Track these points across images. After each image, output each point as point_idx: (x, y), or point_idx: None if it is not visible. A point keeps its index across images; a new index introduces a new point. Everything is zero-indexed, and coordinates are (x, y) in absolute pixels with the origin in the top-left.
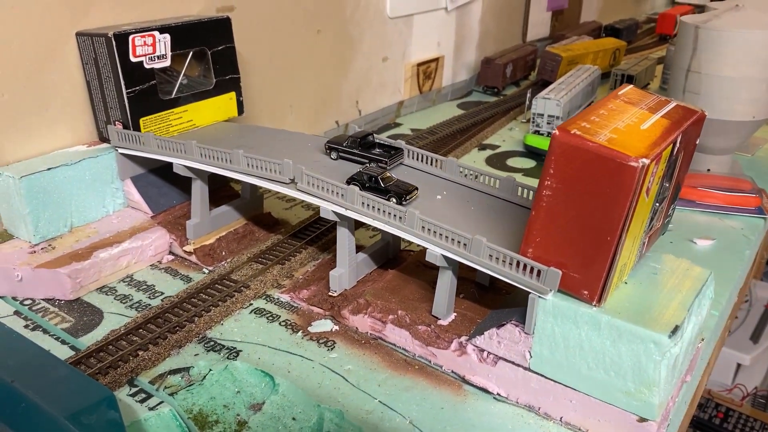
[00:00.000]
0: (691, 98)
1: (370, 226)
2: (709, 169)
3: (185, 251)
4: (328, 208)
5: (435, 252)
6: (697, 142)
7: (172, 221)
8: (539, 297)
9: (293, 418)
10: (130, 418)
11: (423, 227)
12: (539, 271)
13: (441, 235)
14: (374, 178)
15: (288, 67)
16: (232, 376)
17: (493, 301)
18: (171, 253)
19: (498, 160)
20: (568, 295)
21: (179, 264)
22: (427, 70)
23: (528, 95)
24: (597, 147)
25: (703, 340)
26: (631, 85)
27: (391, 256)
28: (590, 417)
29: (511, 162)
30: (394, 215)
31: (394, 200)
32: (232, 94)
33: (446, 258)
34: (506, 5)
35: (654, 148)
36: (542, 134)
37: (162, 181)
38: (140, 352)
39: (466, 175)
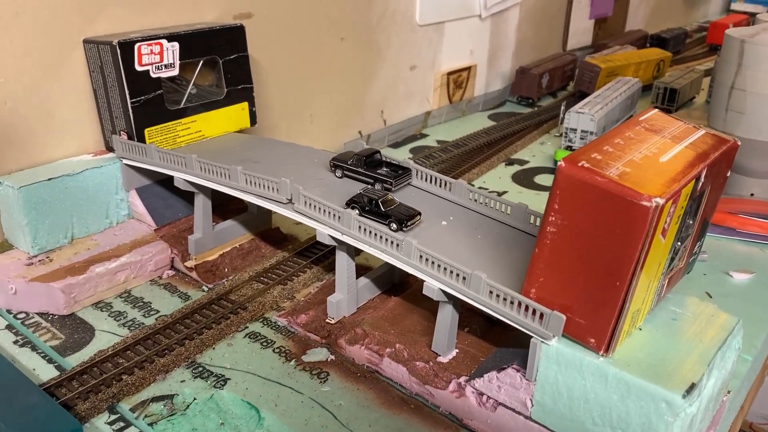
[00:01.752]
0: (733, 117)
1: None
2: (752, 194)
3: (186, 267)
4: (324, 232)
5: (433, 286)
6: (742, 165)
7: (176, 234)
8: (542, 342)
9: None
10: None
11: (421, 257)
12: (542, 315)
13: (439, 267)
14: (374, 201)
15: (309, 76)
16: (217, 407)
17: (500, 337)
18: (173, 267)
19: (525, 177)
20: (573, 341)
21: (179, 280)
22: (458, 79)
23: (562, 108)
24: (606, 183)
25: (729, 392)
26: (656, 110)
27: (397, 281)
28: None
29: (540, 179)
30: (392, 243)
31: (395, 226)
32: (245, 105)
33: (445, 292)
34: (545, 13)
35: (672, 184)
36: (575, 150)
37: (168, 193)
38: (125, 376)
39: (476, 200)
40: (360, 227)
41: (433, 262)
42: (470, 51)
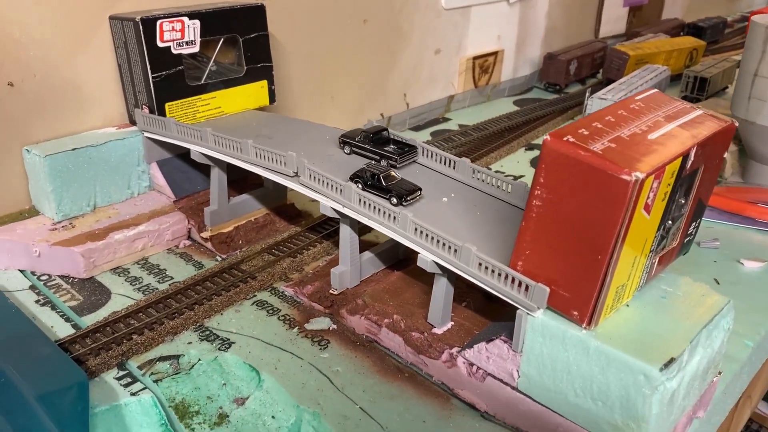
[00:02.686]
0: (756, 105)
1: None
2: None
3: (202, 237)
4: (327, 204)
5: (426, 258)
6: (764, 154)
7: (194, 206)
8: (527, 314)
9: (273, 417)
10: (111, 401)
11: (416, 230)
12: (527, 286)
13: (433, 239)
14: (376, 176)
15: (331, 57)
16: (220, 368)
17: (496, 312)
18: (190, 237)
19: None
20: (559, 314)
21: (195, 250)
22: (485, 64)
23: (587, 94)
24: (588, 156)
25: (720, 373)
26: (656, 90)
27: (402, 257)
28: None
29: None
30: (389, 215)
31: (395, 200)
32: (264, 83)
33: (438, 265)
34: (577, 0)
35: (655, 160)
36: None
37: (187, 167)
38: (135, 336)
39: (478, 178)
40: (360, 200)
41: (427, 235)
42: (497, 36)
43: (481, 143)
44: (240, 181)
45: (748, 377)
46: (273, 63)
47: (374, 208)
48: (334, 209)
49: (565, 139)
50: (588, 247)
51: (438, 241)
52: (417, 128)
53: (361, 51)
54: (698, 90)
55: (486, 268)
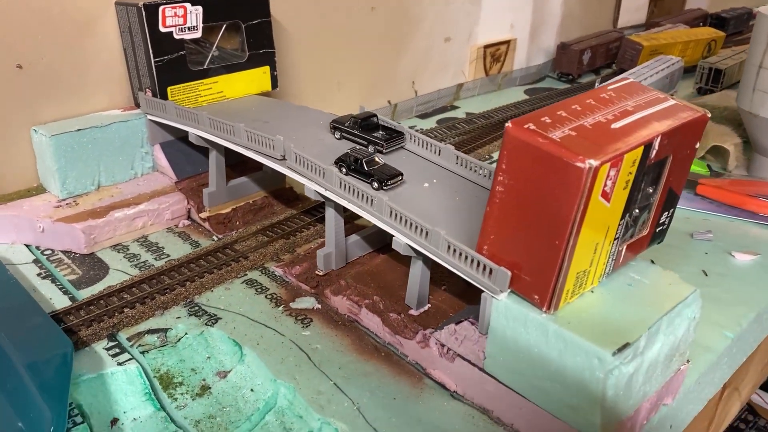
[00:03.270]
0: (760, 97)
1: None
2: None
3: (200, 217)
4: (311, 188)
5: (400, 240)
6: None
7: (194, 188)
8: (492, 297)
9: (251, 390)
10: (98, 369)
11: (391, 213)
12: (491, 270)
13: (406, 222)
14: (359, 161)
15: (337, 44)
16: (206, 342)
17: (475, 296)
18: (190, 218)
19: None
20: (522, 297)
21: (194, 229)
22: (496, 52)
23: (596, 85)
24: (546, 144)
25: (689, 362)
26: (630, 79)
27: (389, 240)
28: (538, 428)
29: None
30: (367, 199)
31: (376, 185)
32: (266, 68)
33: (411, 248)
34: None
35: (613, 149)
36: None
37: (189, 149)
38: (126, 310)
39: (461, 164)
40: (341, 184)
41: (400, 218)
42: (510, 25)
43: (485, 131)
44: (241, 164)
45: (729, 368)
46: (276, 49)
47: (354, 191)
48: (318, 192)
49: (525, 126)
50: (547, 232)
51: (410, 225)
52: (424, 116)
53: (368, 38)
54: (713, 81)
55: (454, 251)
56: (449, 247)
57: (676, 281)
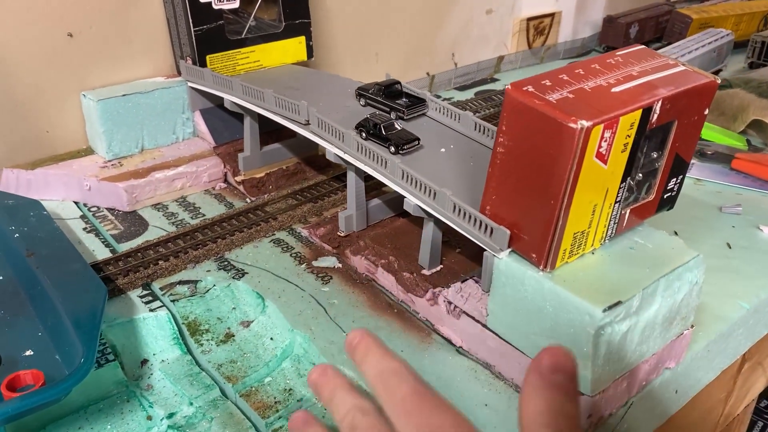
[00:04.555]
0: None
1: None
2: None
3: (236, 181)
4: (331, 151)
5: (411, 201)
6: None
7: (231, 153)
8: (493, 255)
9: (271, 338)
10: (131, 315)
11: (402, 175)
12: (492, 229)
13: (415, 184)
14: (378, 126)
15: (377, 14)
16: (232, 294)
17: None
18: (226, 181)
19: None
20: (522, 256)
21: (229, 192)
22: (540, 25)
23: None
24: (542, 105)
25: (693, 326)
26: (643, 46)
27: None
28: None
29: None
30: (382, 162)
31: (393, 149)
32: (302, 38)
33: (421, 208)
34: None
35: (608, 112)
36: None
37: (227, 116)
38: (161, 262)
39: (479, 131)
40: (359, 147)
41: (411, 179)
42: None
43: None
44: (276, 131)
45: (745, 340)
46: (313, 19)
47: (370, 154)
48: (337, 155)
49: (524, 88)
50: (543, 192)
51: (420, 186)
52: (462, 88)
53: (408, 9)
54: (765, 56)
55: (459, 211)
56: (455, 207)
57: (680, 246)
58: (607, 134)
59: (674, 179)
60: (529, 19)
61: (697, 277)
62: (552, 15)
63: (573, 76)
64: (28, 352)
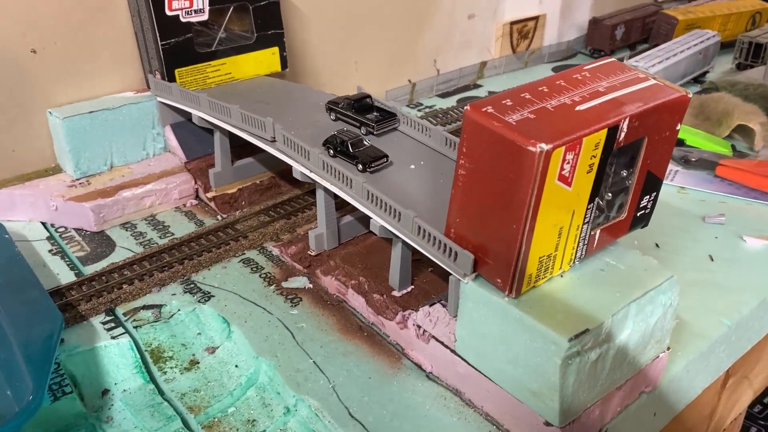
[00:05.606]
0: None
1: None
2: None
3: (207, 197)
4: (297, 169)
5: (376, 222)
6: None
7: (203, 168)
8: (458, 279)
9: (236, 366)
10: (92, 343)
11: (368, 195)
12: (456, 254)
13: (380, 205)
14: (345, 143)
15: (354, 22)
16: (197, 319)
17: None
18: (197, 198)
19: None
20: (487, 281)
21: (200, 209)
22: (524, 29)
23: (625, 61)
24: (500, 127)
25: (669, 349)
26: (612, 59)
27: None
28: (505, 412)
29: None
30: (346, 180)
31: (360, 167)
32: (275, 49)
33: (386, 229)
34: None
35: (570, 133)
36: None
37: (199, 130)
38: (125, 286)
39: (451, 146)
40: (324, 165)
41: (376, 200)
42: (539, 0)
43: None
44: (250, 145)
45: (727, 356)
46: (287, 29)
47: (336, 173)
48: (303, 173)
49: (484, 109)
50: (505, 216)
51: (385, 207)
52: (445, 95)
53: (387, 15)
54: (753, 56)
55: (424, 234)
56: (419, 229)
57: (653, 267)
58: (569, 156)
59: (647, 197)
60: (513, 23)
61: (671, 299)
62: (536, 18)
63: (536, 95)
64: None
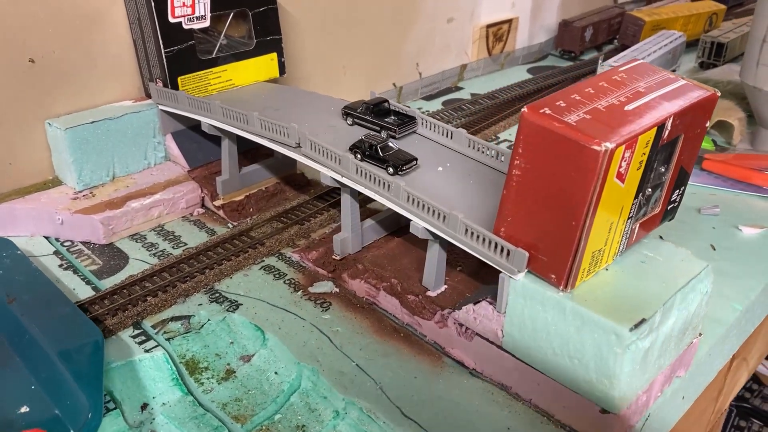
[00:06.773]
0: (764, 72)
1: None
2: None
3: (214, 205)
4: (327, 174)
5: (418, 224)
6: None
7: (207, 176)
8: (509, 277)
9: (276, 372)
10: (126, 357)
11: (408, 198)
12: (508, 251)
13: (424, 207)
14: (374, 147)
15: (343, 28)
16: (228, 328)
17: (489, 277)
18: (204, 206)
19: None
20: (538, 277)
21: (208, 217)
22: (498, 32)
23: (599, 61)
24: (562, 128)
25: (701, 335)
26: (641, 60)
27: (403, 224)
28: (556, 402)
29: None
30: (384, 185)
31: (391, 170)
32: (273, 55)
33: (429, 231)
34: None
35: (628, 131)
36: None
37: (201, 138)
38: (149, 298)
39: (474, 147)
40: (357, 170)
41: (418, 203)
42: (512, 3)
43: (491, 112)
44: (252, 151)
45: (737, 340)
46: (283, 35)
47: (371, 177)
48: (334, 179)
49: (541, 111)
50: (563, 213)
51: (428, 209)
52: (429, 98)
53: (372, 21)
54: (715, 55)
55: (472, 234)
56: (467, 230)
57: (689, 257)
58: (627, 154)
59: (677, 191)
60: (488, 26)
61: (707, 287)
62: (509, 21)
63: (585, 96)
64: (23, 409)
